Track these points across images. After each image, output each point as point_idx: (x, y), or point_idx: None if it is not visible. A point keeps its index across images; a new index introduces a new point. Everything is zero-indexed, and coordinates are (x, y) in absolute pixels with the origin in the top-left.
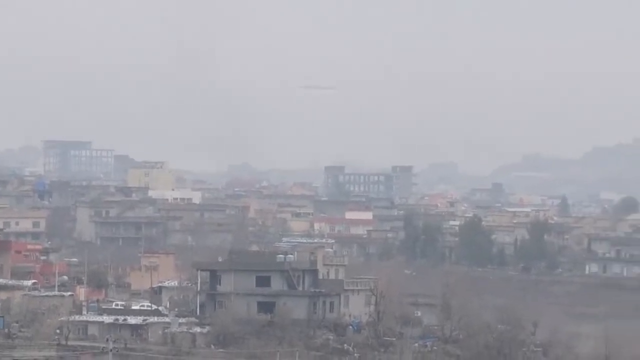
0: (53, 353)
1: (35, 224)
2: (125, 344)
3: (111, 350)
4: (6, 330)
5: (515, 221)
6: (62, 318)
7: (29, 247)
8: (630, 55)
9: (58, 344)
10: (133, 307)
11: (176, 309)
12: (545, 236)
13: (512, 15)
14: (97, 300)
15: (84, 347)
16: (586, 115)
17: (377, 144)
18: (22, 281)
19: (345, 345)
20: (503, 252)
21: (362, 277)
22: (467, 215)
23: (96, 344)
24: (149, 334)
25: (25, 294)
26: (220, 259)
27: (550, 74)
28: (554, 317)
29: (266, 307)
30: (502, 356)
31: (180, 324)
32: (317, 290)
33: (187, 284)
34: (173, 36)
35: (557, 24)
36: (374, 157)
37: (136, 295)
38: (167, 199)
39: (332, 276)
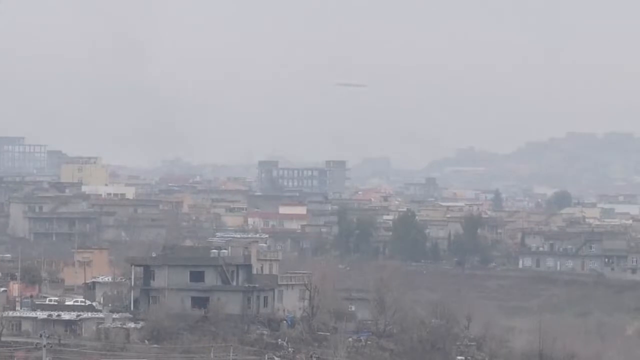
0: None
1: None
2: (59, 340)
3: (45, 346)
4: None
5: (448, 215)
6: None
7: None
8: (563, 49)
9: None
10: (67, 303)
11: (110, 305)
12: (479, 230)
13: (449, 6)
14: (31, 296)
15: (18, 343)
16: (519, 110)
17: (311, 139)
18: None
19: (280, 340)
20: (437, 247)
21: (296, 272)
22: (400, 209)
23: (30, 340)
24: (83, 330)
25: None
26: (154, 255)
27: (483, 68)
28: (488, 311)
29: (200, 302)
30: (436, 350)
31: (114, 320)
32: (251, 285)
33: (121, 279)
34: (106, 29)
35: (491, 15)
36: (308, 152)
37: (70, 290)
38: (100, 195)
39: (266, 271)
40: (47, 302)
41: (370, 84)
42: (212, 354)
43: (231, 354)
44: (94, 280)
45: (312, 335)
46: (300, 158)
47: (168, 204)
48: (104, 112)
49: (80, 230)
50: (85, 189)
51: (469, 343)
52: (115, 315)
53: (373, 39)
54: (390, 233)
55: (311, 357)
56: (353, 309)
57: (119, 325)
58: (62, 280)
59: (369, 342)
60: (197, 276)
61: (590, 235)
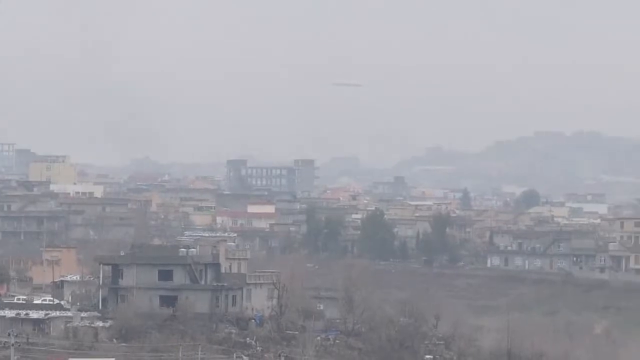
0: None
1: None
2: (27, 339)
3: (13, 345)
4: None
5: (417, 214)
6: None
7: None
8: (531, 48)
9: None
10: (35, 302)
11: (78, 303)
12: (447, 229)
13: (415, 5)
14: None
15: None
16: (488, 109)
17: (279, 137)
18: None
19: (248, 339)
20: (405, 245)
21: (264, 270)
22: (369, 208)
23: None
24: (51, 329)
25: None
26: (122, 253)
27: (452, 68)
28: (456, 310)
29: (168, 301)
30: (405, 349)
31: (82, 318)
32: (220, 284)
33: (89, 278)
34: (75, 28)
35: (462, 14)
36: (276, 150)
37: (38, 289)
38: (69, 193)
39: (234, 270)
40: (15, 301)
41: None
42: (180, 353)
43: (199, 352)
44: (62, 279)
45: (281, 334)
46: (269, 157)
47: (136, 202)
48: (73, 111)
49: (48, 229)
50: (53, 187)
51: (437, 342)
52: (83, 314)
53: (340, 37)
54: (359, 232)
55: (279, 355)
56: (321, 307)
57: (87, 324)
58: (31, 279)
59: (337, 341)
60: (166, 275)
61: (558, 235)
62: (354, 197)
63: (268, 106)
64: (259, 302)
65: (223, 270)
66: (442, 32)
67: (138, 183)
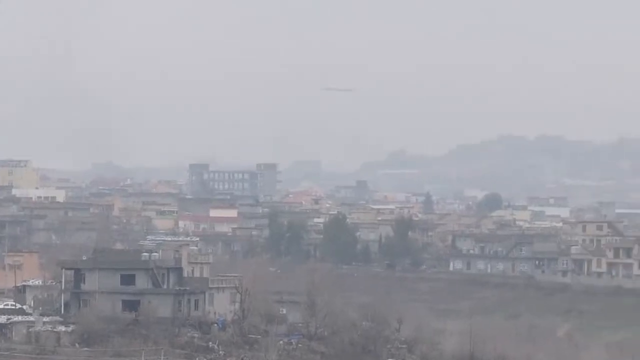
0: None
1: None
2: None
3: None
4: None
5: (379, 218)
6: None
7: None
8: (493, 51)
9: None
10: None
11: (40, 308)
12: (410, 233)
13: (374, 5)
14: None
15: None
16: (451, 113)
17: (242, 141)
18: None
19: (211, 343)
20: (368, 249)
21: (227, 274)
22: (331, 212)
23: None
24: (13, 333)
25: None
26: (84, 258)
27: (415, 70)
28: (419, 314)
29: (131, 305)
30: (367, 353)
31: (44, 323)
32: (182, 288)
33: (52, 282)
34: (36, 31)
35: (423, 15)
36: (239, 154)
37: (0, 294)
38: (31, 198)
39: (197, 274)
40: None
41: (300, 87)
42: (142, 357)
43: (162, 356)
44: (24, 283)
45: (243, 338)
46: (231, 161)
47: (99, 207)
48: (35, 115)
49: (10, 233)
50: (15, 192)
51: (400, 345)
52: (45, 319)
53: (297, 45)
54: (321, 236)
55: (242, 359)
56: (284, 311)
57: (50, 329)
58: None
59: (299, 345)
60: (128, 279)
61: (520, 238)
62: (316, 201)
63: (230, 111)
64: (221, 306)
65: (185, 275)
66: (402, 36)
67: (100, 187)
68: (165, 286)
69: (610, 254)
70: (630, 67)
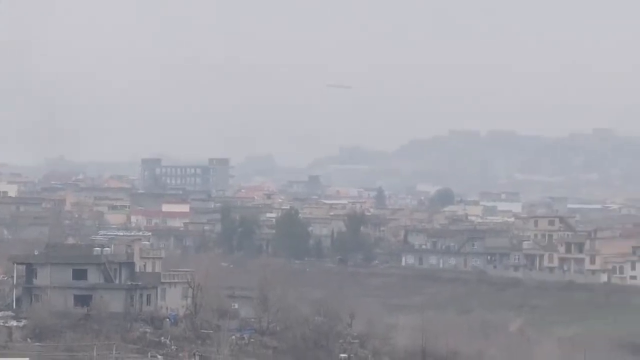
0: None
1: None
2: None
3: None
4: None
5: (332, 213)
6: None
7: None
8: (444, 47)
9: None
10: None
11: None
12: (362, 228)
13: (330, 7)
14: None
15: None
16: (403, 108)
17: (194, 136)
18: None
19: (162, 338)
20: (320, 244)
21: (179, 269)
22: (284, 207)
23: None
24: None
25: None
26: (36, 252)
27: (367, 66)
28: (371, 309)
29: (83, 300)
30: (319, 348)
31: None
32: (134, 283)
33: (3, 277)
34: None
35: (368, 13)
36: (191, 149)
37: None
38: None
39: (149, 269)
40: None
41: (255, 82)
42: (94, 352)
43: (114, 351)
44: None
45: (195, 333)
46: (184, 156)
47: (51, 202)
48: None
49: None
50: None
51: (352, 340)
52: None
53: (253, 39)
54: (274, 231)
55: (194, 354)
56: (236, 306)
57: (1, 324)
58: None
59: (252, 340)
60: (80, 274)
61: (472, 233)
62: (268, 196)
63: (182, 105)
64: (173, 301)
65: (137, 270)
66: (355, 36)
67: (52, 182)
68: (117, 281)
69: (562, 249)
70: (581, 63)
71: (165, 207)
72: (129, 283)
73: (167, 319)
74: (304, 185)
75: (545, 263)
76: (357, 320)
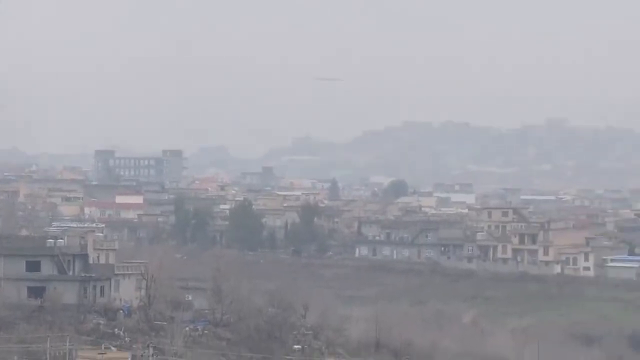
0: None
1: None
2: None
3: None
4: None
5: (285, 205)
6: None
7: None
8: (397, 39)
9: None
10: None
11: None
12: (316, 219)
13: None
14: None
15: None
16: (356, 99)
17: (147, 127)
18: None
19: (116, 329)
20: (274, 236)
21: (132, 261)
22: (237, 199)
23: None
24: None
25: None
26: None
27: (319, 58)
28: (325, 300)
29: (36, 291)
30: (273, 339)
31: None
32: (88, 274)
33: None
34: None
35: (320, 4)
36: (144, 141)
37: None
38: None
39: (102, 260)
40: None
41: (206, 74)
42: (48, 344)
43: (67, 343)
44: None
45: (149, 324)
46: (137, 147)
47: (4, 193)
48: None
49: None
50: None
51: (305, 332)
52: None
53: (210, 31)
54: (227, 222)
55: (148, 346)
56: (190, 298)
57: None
58: None
59: (206, 331)
60: (33, 266)
61: (426, 224)
62: (222, 188)
63: (136, 97)
64: (127, 292)
65: (91, 261)
66: (306, 25)
67: (5, 174)
68: (70, 273)
69: (515, 240)
70: (533, 55)
71: (119, 199)
72: (83, 275)
73: (121, 311)
74: (257, 177)
75: (499, 254)
76: (310, 312)
